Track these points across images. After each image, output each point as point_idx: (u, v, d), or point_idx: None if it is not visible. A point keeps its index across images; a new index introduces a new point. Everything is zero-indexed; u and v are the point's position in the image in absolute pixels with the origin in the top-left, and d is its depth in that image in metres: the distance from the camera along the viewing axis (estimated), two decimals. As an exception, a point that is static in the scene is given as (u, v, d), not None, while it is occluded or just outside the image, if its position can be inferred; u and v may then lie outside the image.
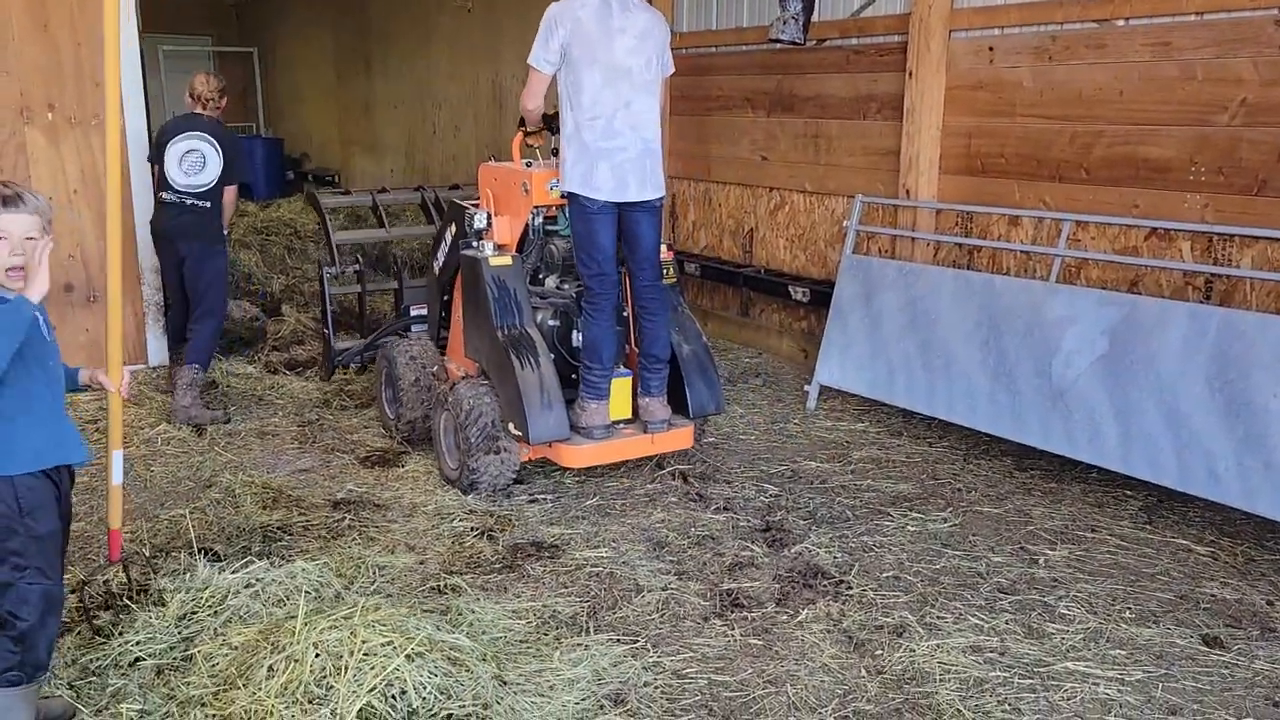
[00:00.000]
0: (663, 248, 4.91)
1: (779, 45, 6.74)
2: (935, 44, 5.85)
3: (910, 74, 5.99)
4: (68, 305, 6.25)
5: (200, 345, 5.82)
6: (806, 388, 6.18)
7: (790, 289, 6.77)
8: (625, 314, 4.89)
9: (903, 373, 5.62)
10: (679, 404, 4.86)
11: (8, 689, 2.68)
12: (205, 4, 17.61)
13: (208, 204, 5.80)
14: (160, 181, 5.81)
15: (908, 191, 6.06)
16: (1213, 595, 3.83)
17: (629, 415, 4.82)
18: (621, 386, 4.76)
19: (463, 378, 4.94)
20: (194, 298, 5.91)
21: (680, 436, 4.83)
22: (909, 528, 4.42)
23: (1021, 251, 5.58)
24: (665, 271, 4.89)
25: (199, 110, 5.89)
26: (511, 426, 4.57)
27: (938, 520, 4.49)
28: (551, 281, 5.00)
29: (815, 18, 6.59)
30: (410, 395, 5.26)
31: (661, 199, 4.69)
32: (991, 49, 5.66)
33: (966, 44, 5.79)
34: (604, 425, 4.64)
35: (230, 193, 5.90)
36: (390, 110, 13.55)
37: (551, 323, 4.86)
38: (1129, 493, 4.77)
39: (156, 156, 5.83)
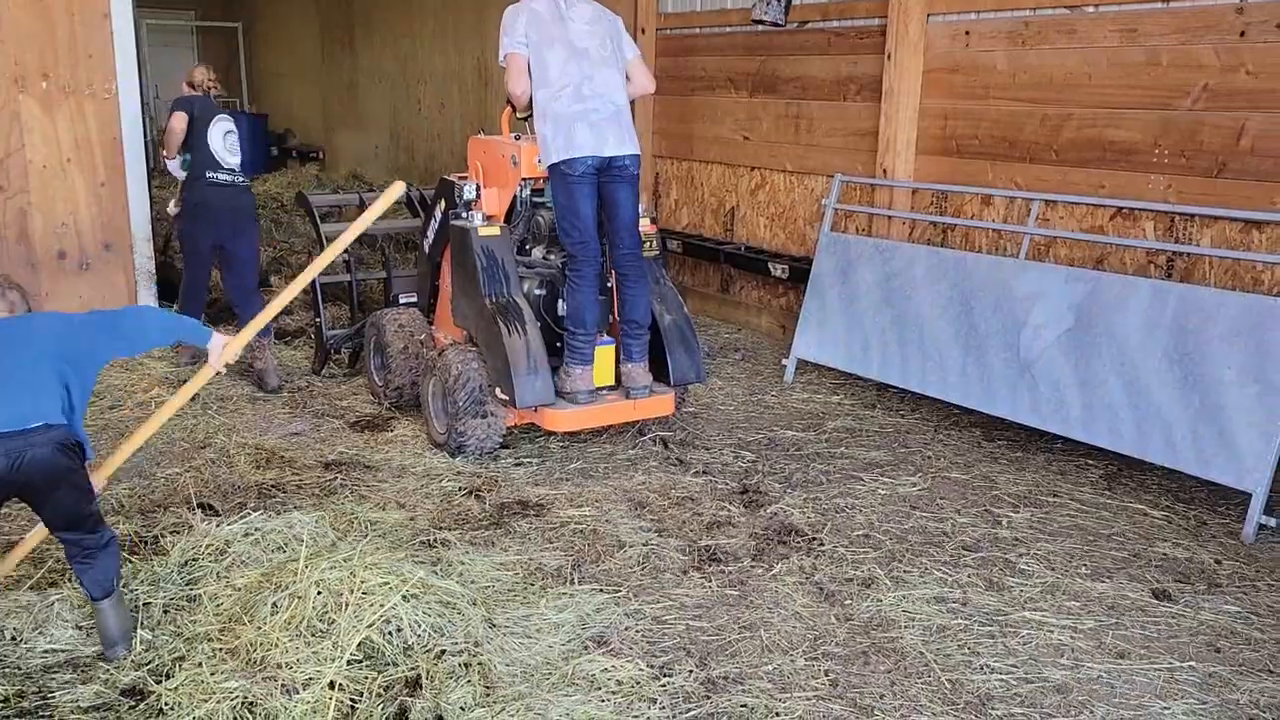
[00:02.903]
0: (646, 221, 5.08)
1: (761, 27, 6.90)
2: (913, 27, 6.02)
3: (889, 56, 6.16)
4: (60, 272, 6.36)
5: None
6: (784, 361, 6.37)
7: (770, 266, 6.95)
8: (609, 285, 5.05)
9: (877, 347, 5.81)
10: (661, 372, 5.03)
11: None
12: (189, -22, 17.55)
13: (248, 182, 6.00)
14: (206, 161, 5.79)
15: (885, 171, 6.25)
16: (1164, 554, 4.05)
17: (612, 382, 4.99)
18: (605, 354, 4.93)
19: (450, 345, 5.09)
20: (237, 272, 5.98)
21: (661, 403, 5.00)
22: (879, 491, 4.61)
23: (993, 230, 5.77)
24: (648, 244, 5.06)
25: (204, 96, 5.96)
26: (499, 391, 4.74)
27: (907, 485, 4.69)
28: (538, 252, 5.15)
29: (797, 0, 6.75)
30: (399, 362, 5.41)
31: (637, 160, 4.87)
32: (968, 33, 5.84)
33: (944, 28, 5.96)
34: (588, 390, 4.81)
35: None
36: (374, 86, 13.60)
37: (538, 292, 5.01)
38: (1091, 462, 4.98)
39: (196, 129, 5.79)
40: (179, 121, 5.78)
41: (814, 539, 4.09)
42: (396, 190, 3.98)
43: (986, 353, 5.23)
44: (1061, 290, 4.98)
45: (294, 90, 16.47)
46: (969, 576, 3.81)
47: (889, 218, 6.26)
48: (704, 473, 4.80)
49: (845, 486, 4.66)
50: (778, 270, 6.91)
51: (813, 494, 4.56)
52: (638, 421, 5.25)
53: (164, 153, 6.00)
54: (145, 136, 6.70)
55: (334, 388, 5.99)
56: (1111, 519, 4.38)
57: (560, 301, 4.97)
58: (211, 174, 5.83)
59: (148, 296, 6.67)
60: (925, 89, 6.09)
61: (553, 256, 5.09)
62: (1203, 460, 4.37)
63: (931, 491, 4.63)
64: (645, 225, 5.07)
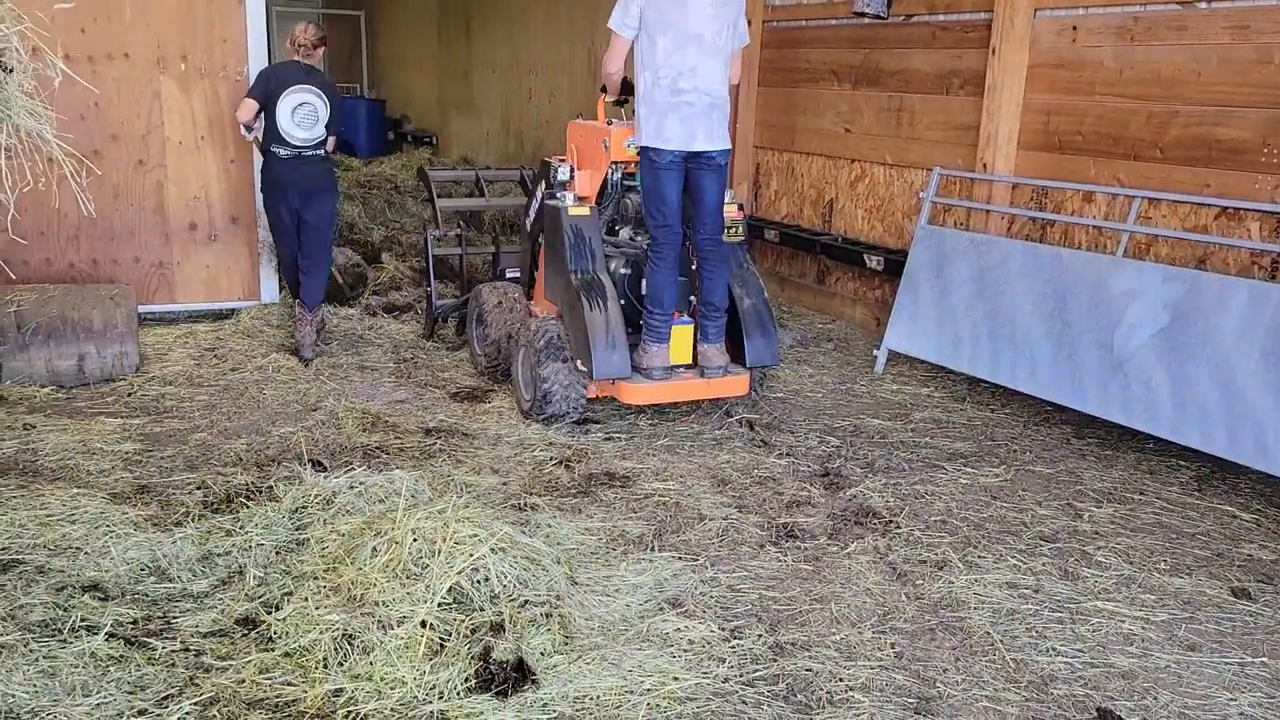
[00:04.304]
0: (733, 207, 5.26)
1: (866, 19, 6.94)
2: (1020, 22, 6.00)
3: (994, 51, 6.15)
4: (191, 243, 6.79)
5: (320, 287, 6.21)
6: (875, 352, 6.42)
7: (865, 257, 6.99)
8: (692, 267, 5.20)
9: (969, 340, 5.82)
10: (739, 355, 5.19)
11: None
12: (317, -33, 18.27)
13: (322, 153, 6.06)
14: (272, 135, 5.94)
15: (985, 166, 6.24)
16: (1249, 555, 4.02)
17: (689, 361, 5.17)
18: (682, 333, 5.12)
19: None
20: (308, 242, 6.11)
21: (736, 383, 5.16)
22: (961, 480, 4.66)
23: (1093, 227, 5.73)
24: (733, 230, 5.23)
25: (299, 58, 6.01)
26: (579, 363, 4.97)
27: (990, 476, 4.73)
28: (625, 233, 5.40)
29: (904, -7, 6.78)
30: (496, 333, 5.70)
31: (726, 153, 5.01)
32: (1075, 28, 5.79)
33: (1050, 23, 5.93)
34: (663, 367, 5.01)
35: (332, 142, 6.11)
36: (488, 74, 13.98)
37: (623, 271, 5.24)
38: (1183, 463, 4.93)
39: (268, 104, 5.92)
40: (245, 111, 5.92)
41: (891, 522, 4.18)
42: None
43: (1079, 349, 5.21)
44: (1158, 289, 4.93)
45: (411, 77, 16.99)
46: (1044, 565, 3.85)
47: (987, 212, 6.25)
48: (787, 455, 4.92)
49: (927, 474, 4.72)
50: (873, 262, 6.95)
51: (893, 480, 4.64)
52: (715, 400, 5.40)
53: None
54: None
55: (437, 359, 6.28)
56: (1198, 519, 4.35)
57: (644, 281, 5.13)
58: (276, 148, 5.94)
59: (269, 269, 7.06)
60: (1029, 84, 6.06)
61: (639, 238, 5.31)
62: (1296, 464, 4.31)
63: (1014, 483, 4.66)
64: (730, 211, 5.23)
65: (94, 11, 6.28)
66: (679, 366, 5.13)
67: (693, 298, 5.24)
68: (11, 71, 3.04)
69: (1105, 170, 5.67)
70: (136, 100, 6.50)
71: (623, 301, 5.05)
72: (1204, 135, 5.18)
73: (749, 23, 8.16)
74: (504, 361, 5.68)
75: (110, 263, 6.62)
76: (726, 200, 5.14)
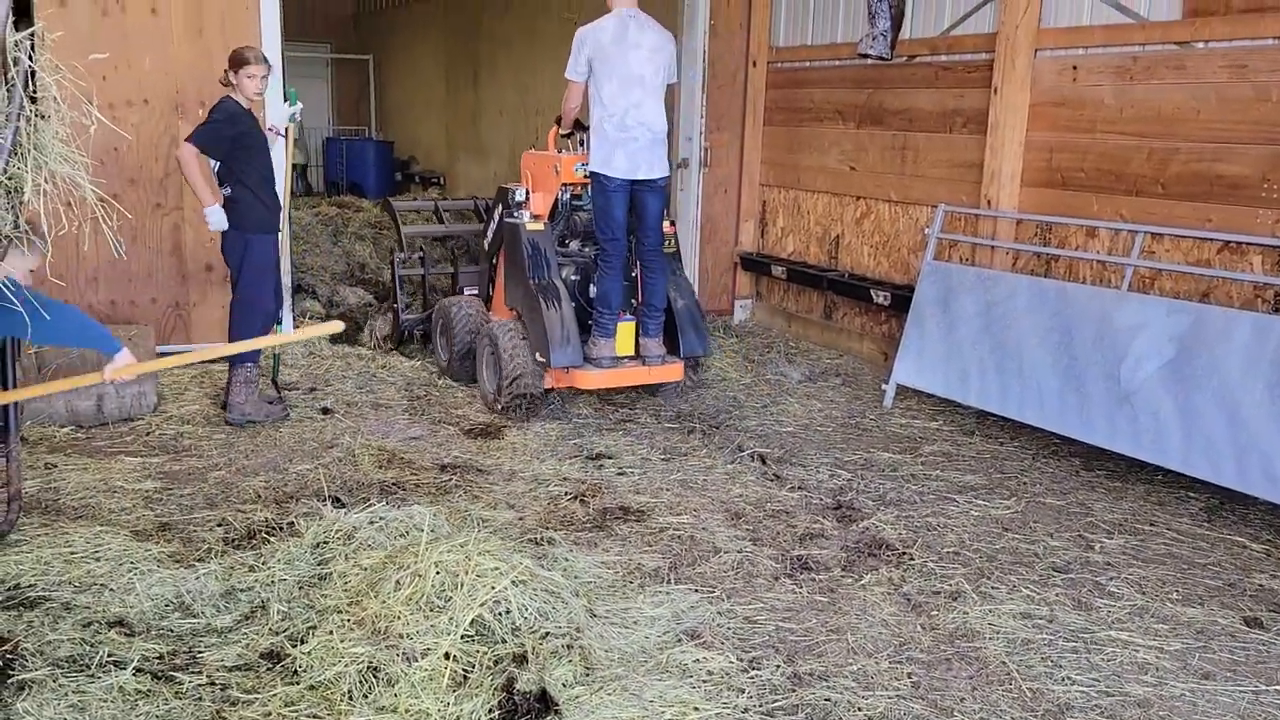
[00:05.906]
0: (666, 224, 6.05)
1: (869, 60, 7.07)
2: (1021, 62, 6.12)
3: (995, 90, 6.26)
4: (207, 284, 6.88)
5: (235, 336, 5.51)
6: (884, 386, 6.48)
7: (872, 293, 7.08)
8: (634, 273, 6.05)
9: (976, 374, 5.88)
10: (674, 347, 6.06)
11: None
12: (326, 13, 18.55)
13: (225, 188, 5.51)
14: None
15: (989, 202, 6.33)
16: (1261, 585, 4.05)
17: (632, 352, 6.01)
18: (627, 329, 5.98)
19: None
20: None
21: (672, 370, 6.05)
22: (972, 513, 4.71)
23: (1097, 261, 5.81)
24: (667, 243, 6.09)
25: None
26: (538, 355, 5.77)
27: (1001, 508, 4.77)
28: (575, 245, 6.26)
29: (906, 35, 6.91)
30: (461, 339, 6.43)
31: (666, 179, 5.90)
32: (1075, 68, 5.91)
33: (1051, 63, 6.04)
34: (610, 357, 5.88)
35: (184, 150, 5.39)
36: (496, 116, 14.17)
37: (574, 277, 6.14)
38: (1192, 494, 4.97)
39: None
40: None
41: (904, 554, 4.22)
42: (331, 327, 4.16)
43: (1085, 382, 5.27)
44: (1163, 322, 5.00)
45: (419, 120, 17.22)
46: (1057, 595, 3.89)
47: (992, 247, 6.33)
48: (799, 488, 4.97)
49: (938, 506, 4.77)
50: (880, 297, 7.03)
51: (905, 512, 4.68)
52: (652, 384, 6.25)
53: None
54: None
55: (449, 396, 6.35)
56: (1209, 549, 4.38)
57: (592, 285, 6.05)
58: None
59: (284, 312, 7.13)
60: (1031, 122, 6.17)
61: (587, 249, 6.21)
62: (1304, 494, 4.35)
63: (1025, 515, 4.70)
64: (666, 226, 6.05)
65: (115, 60, 6.41)
66: (624, 357, 5.96)
67: (634, 299, 6.07)
68: (47, 119, 3.15)
69: (1108, 206, 5.76)
70: (155, 145, 6.62)
71: (574, 303, 5.86)
72: (1204, 171, 5.27)
73: (754, 63, 8.38)
74: (467, 362, 6.40)
75: (128, 304, 6.71)
76: (663, 216, 5.94)
